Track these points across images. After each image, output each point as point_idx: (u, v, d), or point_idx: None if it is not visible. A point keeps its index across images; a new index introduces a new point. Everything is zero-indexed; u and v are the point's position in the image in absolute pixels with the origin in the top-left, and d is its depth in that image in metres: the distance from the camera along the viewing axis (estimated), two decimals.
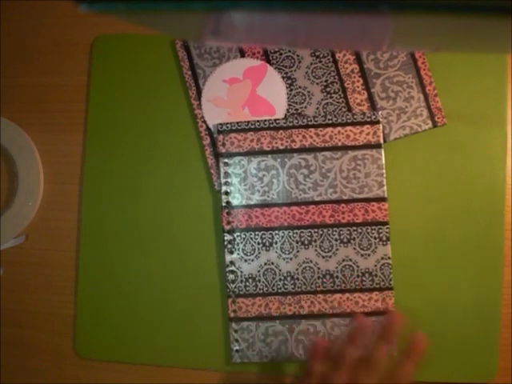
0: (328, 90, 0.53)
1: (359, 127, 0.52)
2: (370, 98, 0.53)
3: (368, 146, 0.52)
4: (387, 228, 0.51)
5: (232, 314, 0.51)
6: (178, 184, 0.54)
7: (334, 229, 0.51)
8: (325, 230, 0.51)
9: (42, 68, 0.57)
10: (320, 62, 0.54)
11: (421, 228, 0.52)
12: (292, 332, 0.51)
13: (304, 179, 0.52)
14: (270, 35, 0.22)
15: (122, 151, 0.55)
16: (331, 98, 0.53)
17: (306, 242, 0.51)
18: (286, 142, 0.52)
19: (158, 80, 0.56)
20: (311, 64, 0.54)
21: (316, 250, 0.51)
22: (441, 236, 0.51)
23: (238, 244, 0.52)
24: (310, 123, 0.52)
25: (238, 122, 0.53)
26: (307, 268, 0.51)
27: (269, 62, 0.54)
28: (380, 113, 0.52)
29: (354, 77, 0.53)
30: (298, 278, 0.51)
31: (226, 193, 0.52)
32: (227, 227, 0.52)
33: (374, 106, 0.53)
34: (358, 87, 0.53)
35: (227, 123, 0.53)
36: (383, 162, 0.51)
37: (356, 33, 0.20)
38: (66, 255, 0.55)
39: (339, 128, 0.52)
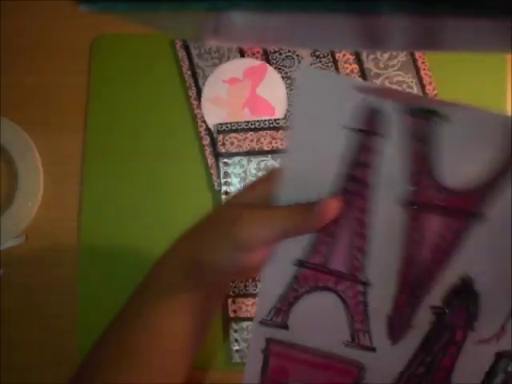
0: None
1: None
2: None
3: None
4: None
5: (232, 314, 0.51)
6: (178, 184, 0.54)
7: None
8: None
9: (42, 68, 0.57)
10: (320, 61, 0.54)
11: None
12: None
13: None
14: (270, 35, 0.22)
15: (122, 151, 0.55)
16: None
17: None
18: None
19: (157, 80, 0.56)
20: (311, 64, 0.54)
21: None
22: None
23: None
24: None
25: (237, 122, 0.53)
26: None
27: (269, 61, 0.54)
28: None
29: (354, 77, 0.53)
30: None
31: (226, 193, 0.52)
32: None
33: None
34: None
35: (227, 123, 0.53)
36: None
37: (356, 32, 0.20)
38: (66, 255, 0.55)
39: None
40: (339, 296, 0.38)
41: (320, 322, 0.38)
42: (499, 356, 0.37)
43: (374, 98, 0.34)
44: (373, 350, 0.38)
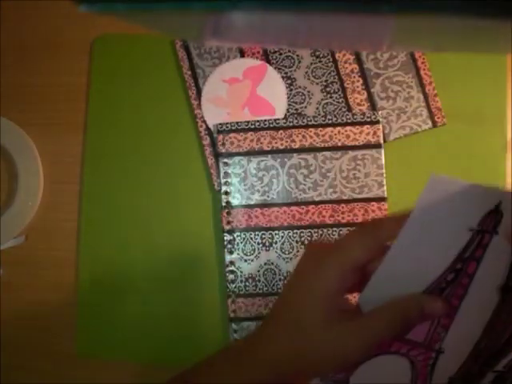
0: (328, 89, 0.54)
1: (359, 127, 0.52)
2: (370, 98, 0.53)
3: (368, 146, 0.52)
4: None
5: (232, 314, 0.51)
6: (178, 184, 0.54)
7: (334, 229, 0.51)
8: (324, 230, 0.51)
9: (42, 68, 0.57)
10: (320, 61, 0.54)
11: None
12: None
13: (304, 179, 0.52)
14: (270, 35, 0.22)
15: (122, 151, 0.55)
16: (331, 97, 0.53)
17: (306, 242, 0.51)
18: (286, 141, 0.52)
19: (157, 80, 0.56)
20: (311, 64, 0.54)
21: None
22: None
23: (237, 244, 0.52)
24: (309, 123, 0.52)
25: (237, 122, 0.53)
26: None
27: (269, 61, 0.54)
28: (380, 113, 0.52)
29: (354, 77, 0.53)
30: None
31: (226, 193, 0.52)
32: (227, 227, 0.52)
33: (373, 106, 0.53)
34: (357, 87, 0.53)
35: (227, 123, 0.53)
36: (383, 162, 0.51)
37: (356, 33, 0.20)
38: (66, 255, 0.55)
39: (339, 128, 0.52)
40: (409, 360, 0.39)
41: (382, 380, 0.39)
42: None
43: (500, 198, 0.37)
44: None
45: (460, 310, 0.38)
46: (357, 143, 0.52)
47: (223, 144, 0.53)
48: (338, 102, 0.53)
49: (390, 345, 0.38)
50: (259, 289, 0.51)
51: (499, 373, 0.38)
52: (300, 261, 0.37)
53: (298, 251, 0.51)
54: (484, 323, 0.38)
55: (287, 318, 0.36)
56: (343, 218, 0.51)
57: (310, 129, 0.52)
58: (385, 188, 0.51)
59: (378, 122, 0.52)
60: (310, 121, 0.52)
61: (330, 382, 0.39)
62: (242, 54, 0.55)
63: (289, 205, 0.52)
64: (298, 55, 0.54)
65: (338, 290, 0.35)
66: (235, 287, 0.51)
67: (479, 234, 0.37)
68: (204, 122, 0.54)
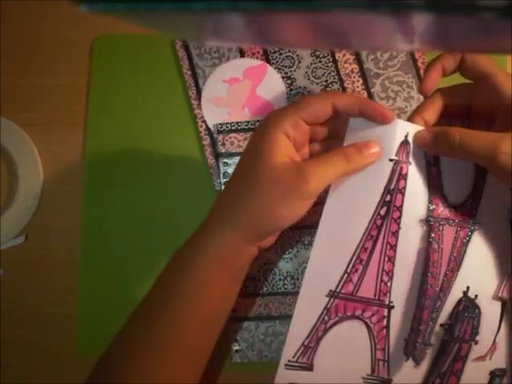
0: (328, 89, 0.53)
1: None
2: (370, 98, 0.53)
3: None
4: None
5: (232, 314, 0.51)
6: (178, 184, 0.54)
7: None
8: None
9: (42, 68, 0.57)
10: (320, 61, 0.54)
11: None
12: None
13: None
14: (271, 35, 0.22)
15: (122, 151, 0.55)
16: None
17: (306, 242, 0.51)
18: None
19: (157, 80, 0.56)
20: (311, 64, 0.54)
21: None
22: None
23: None
24: None
25: (237, 122, 0.53)
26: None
27: (269, 61, 0.54)
28: None
29: (354, 77, 0.53)
30: (297, 278, 0.51)
31: None
32: None
33: None
34: (357, 87, 0.53)
35: (227, 123, 0.53)
36: None
37: (357, 33, 0.20)
38: (66, 255, 0.55)
39: None
40: (365, 323, 0.40)
41: (344, 356, 0.41)
42: (493, 375, 0.40)
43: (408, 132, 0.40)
44: (389, 382, 0.40)
45: (398, 249, 0.40)
46: None
47: (223, 144, 0.53)
48: None
49: (346, 307, 0.40)
50: (259, 289, 0.51)
51: (448, 325, 0.40)
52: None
53: (297, 251, 0.51)
54: (422, 260, 0.40)
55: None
56: None
57: None
58: None
59: None
60: None
61: (296, 367, 0.41)
62: (242, 54, 0.55)
63: None
64: (298, 55, 0.54)
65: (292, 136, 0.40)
66: None
67: (398, 165, 0.40)
68: (204, 122, 0.54)
